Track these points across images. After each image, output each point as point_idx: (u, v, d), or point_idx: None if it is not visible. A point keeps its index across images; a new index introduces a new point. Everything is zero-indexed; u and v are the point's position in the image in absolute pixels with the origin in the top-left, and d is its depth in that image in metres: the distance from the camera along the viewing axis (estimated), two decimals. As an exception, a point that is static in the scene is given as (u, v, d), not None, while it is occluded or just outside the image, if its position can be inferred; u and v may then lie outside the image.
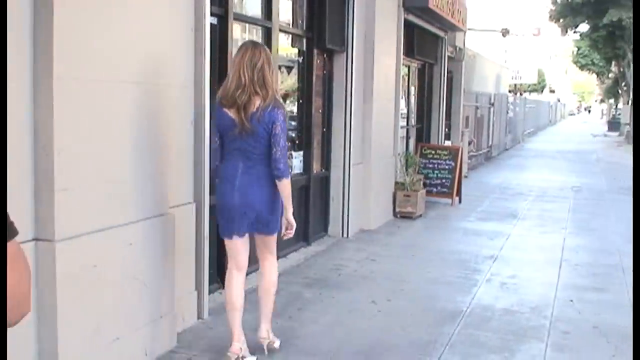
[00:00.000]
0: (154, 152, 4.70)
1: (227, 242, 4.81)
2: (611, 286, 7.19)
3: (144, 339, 4.63)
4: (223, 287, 6.34)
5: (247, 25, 7.35)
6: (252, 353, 4.86)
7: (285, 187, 4.61)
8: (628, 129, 35.61)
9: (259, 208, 4.61)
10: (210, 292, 5.96)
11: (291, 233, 4.85)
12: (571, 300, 6.58)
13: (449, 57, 15.20)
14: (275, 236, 4.85)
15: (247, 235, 4.76)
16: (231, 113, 4.52)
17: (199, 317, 5.65)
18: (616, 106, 57.65)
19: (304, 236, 8.48)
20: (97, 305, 4.13)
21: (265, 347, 4.93)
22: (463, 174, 13.79)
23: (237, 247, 4.78)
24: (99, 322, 4.16)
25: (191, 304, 5.56)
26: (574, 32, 36.74)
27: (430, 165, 12.45)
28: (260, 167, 4.56)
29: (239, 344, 4.78)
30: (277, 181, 4.57)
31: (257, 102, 4.49)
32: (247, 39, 7.49)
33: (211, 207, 5.84)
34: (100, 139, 4.12)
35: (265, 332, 4.96)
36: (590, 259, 8.44)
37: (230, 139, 4.59)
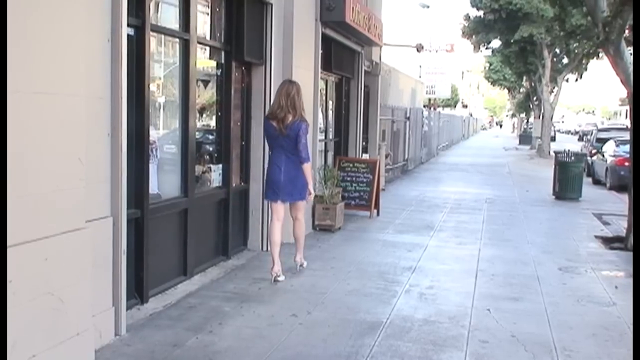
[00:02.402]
0: (69, 164, 4.56)
1: (272, 204, 7.69)
2: (527, 295, 7.38)
3: (61, 356, 4.47)
4: (141, 302, 6.27)
5: (164, 36, 7.24)
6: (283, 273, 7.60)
7: (307, 168, 7.55)
8: (539, 142, 36.80)
9: (299, 182, 7.53)
10: (128, 308, 5.82)
11: (311, 198, 7.97)
12: (488, 310, 6.71)
13: (365, 71, 15.39)
14: (303, 202, 7.77)
15: (285, 200, 7.61)
16: (274, 123, 7.44)
17: (117, 333, 5.50)
18: (527, 120, 59.53)
19: (223, 250, 8.40)
20: (12, 322, 3.96)
21: (297, 266, 8.01)
22: (381, 186, 13.95)
23: (279, 207, 7.65)
24: (15, 339, 4.00)
25: (108, 320, 5.41)
26: (487, 48, 37.79)
27: (349, 178, 12.55)
28: (295, 157, 7.44)
29: (278, 267, 7.49)
30: (302, 165, 7.48)
31: (289, 118, 7.39)
32: (163, 51, 7.43)
33: (129, 221, 5.73)
34: (12, 152, 3.96)
35: (299, 258, 8.06)
36: (505, 269, 8.64)
37: (275, 140, 7.50)
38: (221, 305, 6.56)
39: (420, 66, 43.09)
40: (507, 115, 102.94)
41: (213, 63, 8.41)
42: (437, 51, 40.91)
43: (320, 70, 11.14)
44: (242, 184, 8.96)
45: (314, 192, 7.89)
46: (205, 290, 7.11)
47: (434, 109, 40.36)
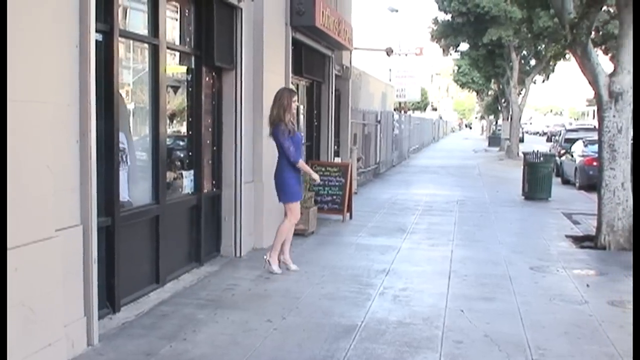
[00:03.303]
0: (37, 172, 4.50)
1: None
2: (499, 295, 7.42)
3: (31, 368, 4.41)
4: (114, 311, 6.20)
5: (133, 42, 7.18)
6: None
7: (301, 165, 8.17)
8: (508, 143, 37.14)
9: (279, 184, 8.17)
10: (100, 317, 5.75)
11: (316, 182, 9.10)
12: (462, 310, 6.74)
13: (336, 75, 15.42)
14: (285, 204, 8.25)
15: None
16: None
17: (89, 343, 5.44)
18: (496, 122, 60.04)
19: (196, 257, 8.34)
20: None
21: (265, 266, 8.19)
22: (353, 190, 13.97)
23: None
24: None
25: (81, 330, 5.34)
26: (455, 51, 38.04)
27: (321, 182, 12.53)
28: (279, 160, 8.12)
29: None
30: (296, 166, 8.07)
31: (272, 123, 8.02)
32: (132, 57, 7.37)
33: (99, 229, 5.67)
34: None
35: (267, 255, 8.23)
36: (477, 269, 8.69)
37: None
38: (195, 313, 6.51)
39: (390, 70, 43.23)
40: (476, 118, 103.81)
41: (183, 68, 8.36)
42: (406, 55, 41.09)
43: (291, 74, 11.14)
44: (214, 189, 8.91)
45: (317, 178, 8.75)
46: (178, 297, 7.05)
47: (405, 112, 40.53)
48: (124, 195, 6.61)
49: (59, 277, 4.76)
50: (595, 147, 12.68)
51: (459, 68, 54.34)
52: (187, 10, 8.25)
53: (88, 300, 5.43)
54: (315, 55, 13.63)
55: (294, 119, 8.35)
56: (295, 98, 8.32)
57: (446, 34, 34.07)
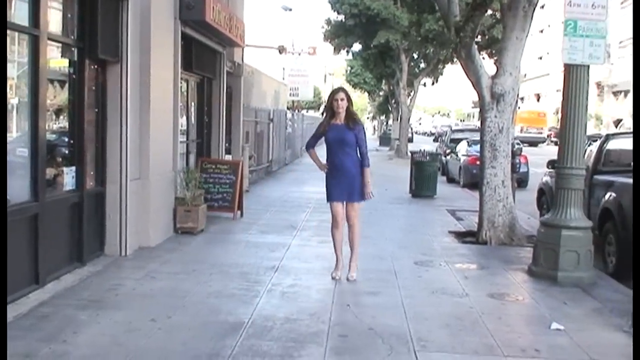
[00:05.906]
0: None
1: None
2: (385, 290, 7.57)
3: None
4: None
5: (15, 33, 6.85)
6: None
7: (310, 154, 8.61)
8: (397, 143, 37.97)
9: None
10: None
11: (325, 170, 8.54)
12: (348, 305, 6.84)
13: (228, 72, 15.29)
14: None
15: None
16: None
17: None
18: (387, 123, 61.23)
19: (78, 256, 8.07)
20: None
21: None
22: (244, 188, 13.90)
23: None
24: None
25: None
26: (347, 51, 38.56)
27: (211, 180, 12.42)
28: None
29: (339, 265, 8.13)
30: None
31: None
32: (16, 50, 7.05)
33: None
34: None
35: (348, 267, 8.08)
36: (364, 264, 8.78)
37: None
38: (76, 314, 6.30)
39: (283, 68, 43.38)
40: (368, 118, 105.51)
41: (65, 61, 8.05)
42: (299, 54, 41.30)
43: (180, 70, 10.96)
44: (98, 186, 8.65)
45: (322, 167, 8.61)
46: (58, 298, 6.81)
47: (298, 111, 40.73)
48: None
49: None
50: (479, 147, 13.13)
51: (352, 68, 55.00)
52: (70, 0, 7.96)
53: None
54: (206, 51, 13.46)
55: (340, 114, 8.06)
56: (338, 96, 8.06)
57: (338, 34, 34.47)
